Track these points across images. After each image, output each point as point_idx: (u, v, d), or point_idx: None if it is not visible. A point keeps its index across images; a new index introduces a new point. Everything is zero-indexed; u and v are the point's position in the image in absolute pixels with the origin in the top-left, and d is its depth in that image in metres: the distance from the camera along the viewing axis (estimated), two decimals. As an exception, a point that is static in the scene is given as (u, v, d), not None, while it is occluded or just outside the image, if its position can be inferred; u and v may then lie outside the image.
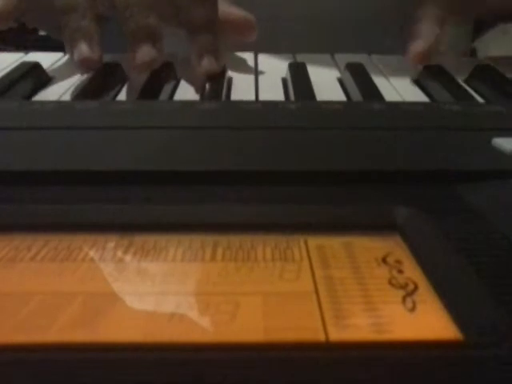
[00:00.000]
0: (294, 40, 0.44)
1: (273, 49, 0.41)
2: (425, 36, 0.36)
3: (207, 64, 0.34)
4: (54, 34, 0.57)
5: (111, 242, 0.16)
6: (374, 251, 0.16)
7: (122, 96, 0.32)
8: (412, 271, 0.15)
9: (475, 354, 0.11)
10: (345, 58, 0.38)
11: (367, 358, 0.11)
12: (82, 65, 0.32)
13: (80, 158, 0.21)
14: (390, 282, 0.14)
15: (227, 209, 0.18)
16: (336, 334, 0.12)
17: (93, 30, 0.32)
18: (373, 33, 0.46)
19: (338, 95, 0.33)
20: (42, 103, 0.28)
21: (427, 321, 0.13)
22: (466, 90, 0.32)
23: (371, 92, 0.31)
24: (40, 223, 0.17)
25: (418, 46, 0.36)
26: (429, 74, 0.35)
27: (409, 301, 0.13)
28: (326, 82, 0.34)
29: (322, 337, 0.12)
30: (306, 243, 0.16)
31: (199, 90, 0.33)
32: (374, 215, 0.17)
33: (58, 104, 0.28)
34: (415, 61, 0.36)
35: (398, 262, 0.15)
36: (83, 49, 0.32)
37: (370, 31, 0.46)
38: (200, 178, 0.19)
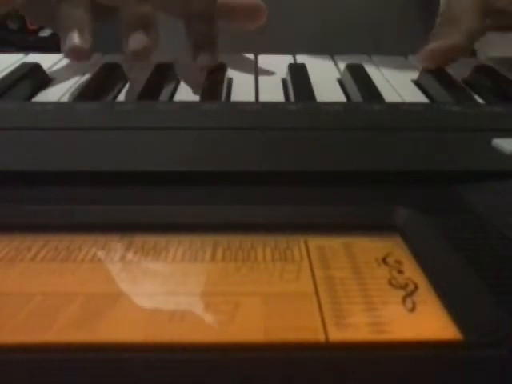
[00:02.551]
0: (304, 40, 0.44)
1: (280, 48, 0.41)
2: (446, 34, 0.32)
3: (203, 60, 0.34)
4: (52, 26, 0.56)
5: (111, 243, 0.16)
6: (374, 251, 0.16)
7: (122, 97, 0.32)
8: (412, 271, 0.15)
9: (475, 354, 0.11)
10: (345, 59, 0.38)
11: (367, 358, 0.11)
12: (71, 55, 0.30)
13: (80, 158, 0.21)
14: (390, 283, 0.14)
15: (227, 209, 0.18)
16: (336, 334, 0.12)
17: (85, 19, 0.31)
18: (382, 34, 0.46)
19: (338, 96, 0.33)
20: (42, 104, 0.28)
21: (427, 321, 0.13)
22: (465, 91, 0.32)
23: (371, 93, 0.31)
24: (40, 223, 0.17)
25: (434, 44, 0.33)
26: (429, 75, 0.35)
27: (409, 301, 0.13)
28: (326, 83, 0.34)
29: (321, 337, 0.12)
30: (306, 243, 0.16)
31: (199, 90, 0.33)
32: (374, 215, 0.17)
33: (58, 105, 0.28)
34: (425, 60, 0.34)
35: (398, 262, 0.15)
36: (73, 38, 0.30)
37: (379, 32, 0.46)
38: (200, 178, 0.19)
